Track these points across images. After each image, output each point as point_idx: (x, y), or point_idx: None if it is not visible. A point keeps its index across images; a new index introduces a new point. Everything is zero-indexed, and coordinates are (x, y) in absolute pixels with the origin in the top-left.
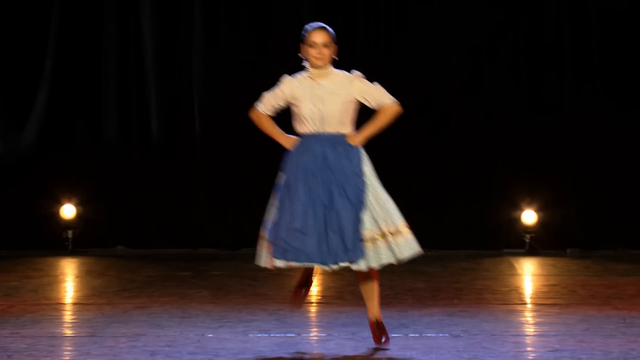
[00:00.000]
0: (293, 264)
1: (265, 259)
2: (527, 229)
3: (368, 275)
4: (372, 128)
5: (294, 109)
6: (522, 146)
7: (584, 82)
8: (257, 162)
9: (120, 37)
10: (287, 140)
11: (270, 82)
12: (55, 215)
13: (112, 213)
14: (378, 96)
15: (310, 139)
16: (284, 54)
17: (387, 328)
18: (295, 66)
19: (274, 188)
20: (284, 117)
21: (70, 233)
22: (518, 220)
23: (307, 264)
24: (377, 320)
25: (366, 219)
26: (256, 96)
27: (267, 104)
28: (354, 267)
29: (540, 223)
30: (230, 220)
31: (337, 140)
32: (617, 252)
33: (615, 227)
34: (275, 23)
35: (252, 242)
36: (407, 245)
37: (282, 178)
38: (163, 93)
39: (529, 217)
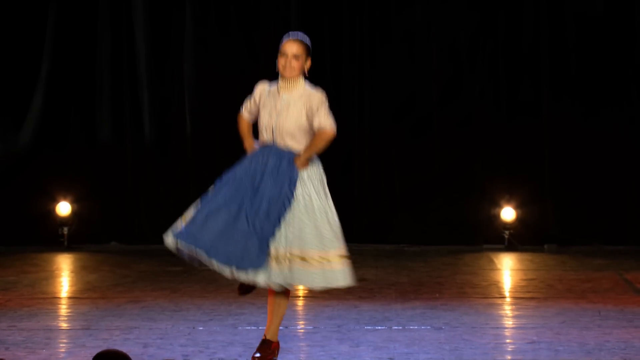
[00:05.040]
0: (181, 247)
1: (168, 232)
2: (506, 226)
3: (281, 293)
4: (309, 151)
5: (258, 116)
6: (500, 146)
7: (560, 86)
8: None
9: (114, 41)
10: (250, 146)
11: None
12: (51, 212)
13: (106, 210)
14: (321, 119)
15: (263, 150)
16: (272, 58)
17: (371, 321)
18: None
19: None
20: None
21: (65, 230)
22: (497, 217)
23: (198, 254)
24: (266, 338)
25: (289, 236)
26: (244, 98)
27: (246, 108)
28: (259, 280)
29: (519, 220)
30: None
31: (284, 155)
32: (593, 247)
33: (591, 224)
34: (263, 28)
35: None
36: (329, 276)
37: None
38: (155, 95)
39: (507, 214)
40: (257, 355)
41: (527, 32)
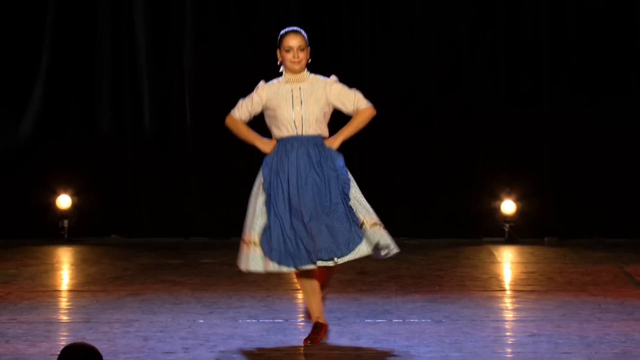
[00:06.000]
0: (284, 269)
1: (253, 261)
2: (506, 218)
3: (315, 273)
4: (348, 131)
5: (272, 114)
6: (501, 138)
7: (560, 77)
8: (246, 153)
9: (114, 33)
10: (265, 145)
11: (259, 76)
12: (52, 205)
13: (107, 203)
14: (355, 100)
15: (291, 142)
16: (272, 49)
17: (371, 314)
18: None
19: (252, 191)
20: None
21: (66, 222)
22: (497, 209)
23: (300, 268)
24: (318, 322)
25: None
26: (244, 90)
27: (243, 110)
28: (361, 252)
29: (519, 212)
30: (220, 210)
31: (317, 141)
32: (593, 240)
33: (591, 217)
34: (263, 19)
35: (241, 230)
36: (385, 235)
37: (261, 181)
38: (155, 87)
39: (508, 206)
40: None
41: (528, 22)
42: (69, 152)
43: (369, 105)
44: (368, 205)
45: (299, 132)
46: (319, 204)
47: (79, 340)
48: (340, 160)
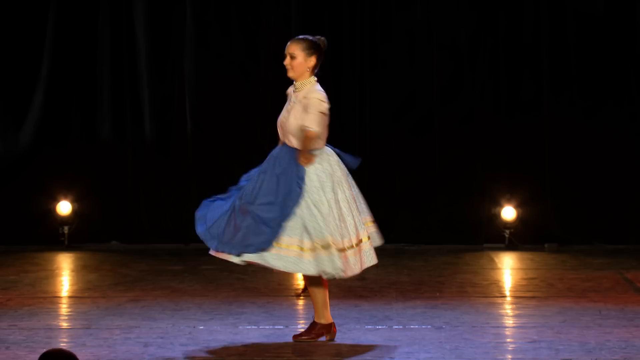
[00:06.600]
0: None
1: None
2: (506, 225)
3: (316, 280)
4: (300, 149)
5: None
6: (501, 145)
7: (561, 84)
8: (246, 159)
9: (114, 39)
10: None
11: (259, 83)
12: (52, 211)
13: (107, 209)
14: (303, 119)
15: (277, 148)
16: (272, 56)
17: (371, 320)
18: (281, 67)
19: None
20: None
21: (66, 229)
22: (498, 216)
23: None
24: (313, 320)
25: (297, 227)
26: (244, 96)
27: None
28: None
29: (519, 219)
30: None
31: (289, 152)
32: (593, 246)
33: (591, 223)
34: (263, 26)
35: None
36: (330, 261)
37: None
38: (155, 93)
39: (508, 213)
40: (299, 334)
41: (528, 30)
42: (69, 158)
43: (308, 128)
44: (330, 223)
45: (284, 140)
46: (250, 196)
47: (79, 346)
48: (303, 174)
